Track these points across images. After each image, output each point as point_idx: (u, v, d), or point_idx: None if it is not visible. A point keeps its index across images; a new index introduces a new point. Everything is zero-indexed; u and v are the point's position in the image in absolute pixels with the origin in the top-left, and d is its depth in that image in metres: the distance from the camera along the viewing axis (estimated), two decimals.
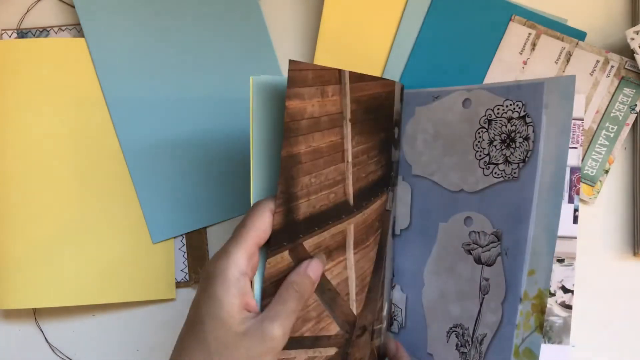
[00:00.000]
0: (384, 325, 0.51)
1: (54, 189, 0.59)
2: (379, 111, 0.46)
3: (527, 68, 0.57)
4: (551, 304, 0.51)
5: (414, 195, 0.50)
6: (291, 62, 0.39)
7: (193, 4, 0.60)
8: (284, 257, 0.41)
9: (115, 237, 0.59)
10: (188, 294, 0.60)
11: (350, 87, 0.43)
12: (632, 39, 0.55)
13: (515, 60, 0.58)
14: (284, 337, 0.39)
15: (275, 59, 0.61)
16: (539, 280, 0.42)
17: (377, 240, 0.47)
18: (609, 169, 0.57)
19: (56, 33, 0.61)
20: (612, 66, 0.57)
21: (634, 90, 0.57)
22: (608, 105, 0.57)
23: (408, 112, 0.50)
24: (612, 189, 0.59)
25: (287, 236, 0.41)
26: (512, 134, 0.44)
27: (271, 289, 0.41)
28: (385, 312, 0.51)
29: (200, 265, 0.60)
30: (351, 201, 0.44)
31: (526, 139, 0.43)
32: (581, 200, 0.57)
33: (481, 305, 0.45)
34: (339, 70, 0.42)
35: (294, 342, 0.42)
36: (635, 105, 0.57)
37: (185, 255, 0.60)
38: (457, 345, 0.47)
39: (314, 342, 0.43)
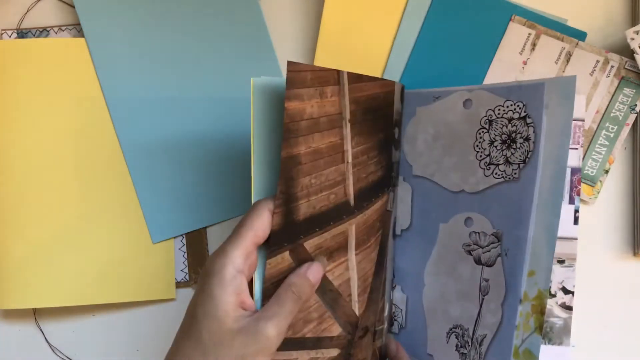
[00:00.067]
0: (385, 325, 0.51)
1: (54, 189, 0.59)
2: (378, 111, 0.46)
3: (527, 68, 0.57)
4: (551, 305, 0.51)
5: (414, 195, 0.50)
6: (289, 63, 0.39)
7: (193, 4, 0.60)
8: (285, 258, 0.41)
9: (115, 237, 0.59)
10: (188, 294, 0.60)
11: (349, 88, 0.43)
12: (632, 39, 0.55)
13: (515, 60, 0.58)
14: (279, 338, 0.39)
15: (275, 58, 0.61)
16: (539, 281, 0.42)
17: (378, 240, 0.47)
18: (609, 169, 0.57)
19: (56, 33, 0.61)
20: (612, 66, 0.57)
21: (634, 90, 0.57)
22: (608, 105, 0.57)
23: (409, 112, 0.50)
24: (611, 189, 0.59)
25: (287, 237, 0.41)
26: (513, 135, 0.44)
27: (271, 289, 0.41)
28: (386, 313, 0.51)
29: (200, 265, 0.60)
30: (352, 202, 0.44)
31: (527, 139, 0.43)
32: (581, 201, 0.58)
33: (481, 306, 0.45)
34: (338, 71, 0.42)
35: (296, 343, 0.42)
36: (636, 105, 0.57)
37: (185, 255, 0.60)
38: (457, 346, 0.47)
39: (316, 343, 0.43)
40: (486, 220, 0.45)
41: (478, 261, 0.46)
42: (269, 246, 0.41)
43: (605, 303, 0.58)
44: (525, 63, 0.57)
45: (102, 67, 0.60)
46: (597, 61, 0.57)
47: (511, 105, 0.44)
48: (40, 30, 0.61)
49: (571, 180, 0.49)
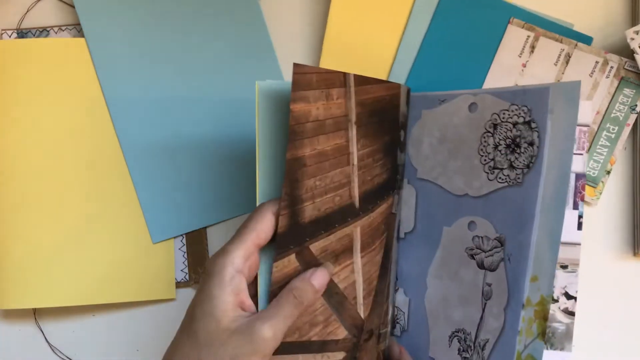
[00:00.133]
0: (389, 328, 0.51)
1: (53, 189, 0.59)
2: (383, 114, 0.46)
3: (526, 71, 0.57)
4: (554, 310, 0.50)
5: (418, 198, 0.50)
6: (295, 65, 0.39)
7: (193, 4, 0.60)
8: (291, 261, 0.41)
9: (115, 237, 0.59)
10: (188, 294, 0.60)
11: (355, 90, 0.43)
12: (632, 39, 0.55)
13: (514, 63, 0.58)
14: (274, 340, 0.39)
15: (275, 59, 0.61)
16: (542, 286, 0.42)
17: (383, 243, 0.47)
18: (611, 169, 0.57)
19: (56, 33, 0.61)
20: (612, 67, 0.57)
21: (634, 91, 0.57)
22: (608, 106, 0.57)
23: (414, 115, 0.50)
24: (611, 189, 0.59)
25: (293, 239, 0.41)
26: (517, 139, 0.44)
27: (277, 292, 0.41)
28: (389, 316, 0.51)
29: (200, 265, 0.60)
30: (357, 204, 0.44)
31: (531, 144, 0.43)
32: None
33: (483, 310, 0.45)
34: (344, 73, 0.42)
35: (302, 346, 0.42)
36: (636, 105, 0.57)
37: (185, 255, 0.60)
38: (459, 350, 0.47)
39: (322, 346, 0.43)
40: (489, 224, 0.45)
41: (481, 265, 0.46)
42: (276, 249, 0.41)
43: (605, 303, 0.58)
44: (524, 66, 0.57)
45: (102, 67, 0.60)
46: (597, 62, 0.57)
47: (516, 109, 0.44)
48: (40, 30, 0.61)
49: (575, 186, 0.49)
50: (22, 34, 0.61)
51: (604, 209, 0.59)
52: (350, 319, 0.44)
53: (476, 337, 0.45)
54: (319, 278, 0.41)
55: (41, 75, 0.59)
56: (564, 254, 0.49)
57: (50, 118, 0.59)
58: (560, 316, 0.51)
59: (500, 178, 0.45)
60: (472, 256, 0.46)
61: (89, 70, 0.60)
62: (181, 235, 0.60)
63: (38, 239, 0.58)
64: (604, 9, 0.60)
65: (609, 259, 0.58)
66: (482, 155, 0.46)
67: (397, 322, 0.52)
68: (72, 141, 0.59)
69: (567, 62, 0.57)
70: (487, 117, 0.46)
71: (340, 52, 0.59)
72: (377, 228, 0.46)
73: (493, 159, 0.45)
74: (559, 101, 0.42)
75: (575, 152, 0.45)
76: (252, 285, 0.42)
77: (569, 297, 0.51)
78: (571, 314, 0.50)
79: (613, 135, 0.57)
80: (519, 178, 0.44)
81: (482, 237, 0.46)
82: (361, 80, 0.44)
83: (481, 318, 0.45)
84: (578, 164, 0.49)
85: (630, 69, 0.57)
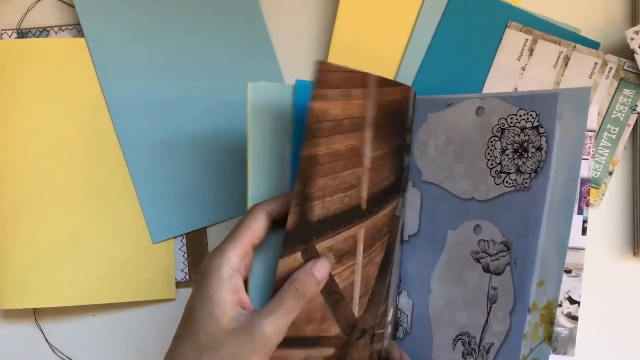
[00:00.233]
0: (388, 330, 0.51)
1: (53, 189, 0.59)
2: (396, 117, 0.46)
3: (525, 74, 0.57)
4: (557, 314, 0.50)
5: (423, 201, 0.50)
6: (319, 62, 0.38)
7: (193, 4, 0.60)
8: (296, 258, 0.41)
9: (115, 237, 0.59)
10: (188, 294, 0.59)
11: (375, 92, 0.43)
12: (632, 39, 0.55)
13: (513, 66, 0.58)
14: (276, 336, 0.38)
15: (275, 59, 0.61)
16: (548, 291, 0.42)
17: (384, 245, 0.47)
18: (613, 170, 0.57)
19: (56, 33, 0.61)
20: (611, 68, 0.57)
21: (634, 91, 0.57)
22: (609, 107, 0.57)
23: (420, 118, 0.50)
24: (611, 189, 0.59)
25: (300, 237, 0.41)
26: (525, 144, 0.44)
27: (281, 287, 0.41)
28: (390, 318, 0.51)
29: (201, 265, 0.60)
30: (364, 205, 0.44)
31: (539, 149, 0.43)
32: None
33: (488, 314, 0.45)
34: (366, 74, 0.42)
35: (296, 341, 0.42)
36: (636, 105, 0.57)
37: (185, 255, 0.60)
38: (463, 353, 0.47)
39: (315, 342, 0.43)
40: (495, 228, 0.45)
41: (486, 269, 0.46)
42: (283, 245, 0.40)
43: (605, 303, 0.58)
44: (523, 69, 0.57)
45: (102, 67, 0.60)
46: (596, 63, 0.57)
47: (524, 114, 0.44)
48: (40, 30, 0.61)
49: (580, 191, 0.49)
50: (22, 34, 0.61)
51: (604, 209, 0.59)
52: (344, 317, 0.44)
53: (481, 340, 0.45)
54: (320, 269, 0.41)
55: (41, 75, 0.59)
56: (567, 258, 0.48)
57: (50, 118, 0.59)
58: (564, 320, 0.51)
59: (507, 182, 0.45)
60: (477, 260, 0.46)
61: (89, 70, 0.60)
62: (181, 235, 0.60)
63: (38, 239, 0.58)
64: (603, 9, 0.60)
65: (609, 259, 0.58)
66: (489, 160, 0.46)
67: (400, 325, 0.52)
68: (72, 141, 0.59)
69: (566, 64, 0.57)
70: (494, 121, 0.46)
71: (347, 52, 0.59)
72: (379, 230, 0.46)
73: (500, 163, 0.45)
74: (568, 107, 0.42)
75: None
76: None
77: (572, 301, 0.51)
78: (574, 318, 0.51)
79: (614, 136, 0.57)
80: (526, 183, 0.44)
81: (487, 241, 0.46)
82: (381, 82, 0.44)
83: (486, 322, 0.45)
84: (583, 169, 0.49)
85: (629, 69, 0.57)
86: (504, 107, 0.45)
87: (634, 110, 0.57)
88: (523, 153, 0.44)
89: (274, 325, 0.38)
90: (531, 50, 0.57)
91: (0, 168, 0.59)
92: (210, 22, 0.60)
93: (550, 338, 0.42)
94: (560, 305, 0.50)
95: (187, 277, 0.60)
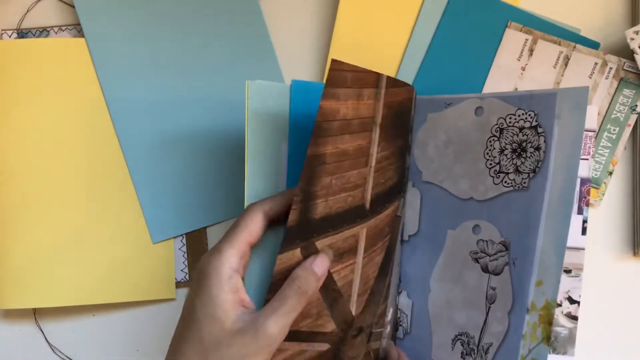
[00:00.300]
0: (387, 330, 0.51)
1: (53, 189, 0.59)
2: (402, 117, 0.46)
3: (525, 74, 0.58)
4: (557, 314, 0.50)
5: (423, 201, 0.50)
6: (334, 61, 0.38)
7: (193, 4, 0.60)
8: (295, 254, 0.41)
9: (115, 237, 0.59)
10: None
11: (385, 92, 0.43)
12: (632, 39, 0.55)
13: (513, 66, 0.58)
14: (280, 335, 0.38)
15: (275, 59, 0.61)
16: (547, 291, 0.42)
17: (384, 245, 0.47)
18: (613, 170, 0.57)
19: (56, 33, 0.61)
20: (611, 68, 0.57)
21: (634, 91, 0.57)
22: (609, 107, 0.57)
23: (420, 118, 0.50)
24: (611, 189, 0.59)
25: (301, 234, 0.41)
26: (524, 144, 0.44)
27: (278, 284, 0.41)
28: (389, 318, 0.51)
29: None
30: (367, 206, 0.44)
31: (537, 149, 0.43)
32: None
33: (487, 314, 0.45)
34: (377, 74, 0.42)
35: (290, 335, 0.42)
36: (636, 105, 0.57)
37: (185, 255, 0.60)
38: (462, 353, 0.47)
39: (310, 336, 0.43)
40: (494, 228, 0.45)
41: (485, 269, 0.46)
42: (282, 241, 0.40)
43: (605, 303, 0.58)
44: (523, 69, 0.58)
45: (102, 67, 0.60)
46: (596, 63, 0.57)
47: (522, 114, 0.44)
48: (40, 30, 0.61)
49: (580, 191, 0.49)
50: (22, 34, 0.61)
51: (604, 209, 0.59)
52: (341, 314, 0.44)
53: (480, 340, 0.45)
54: (319, 265, 0.41)
55: (41, 76, 0.59)
56: (567, 258, 0.49)
57: (50, 118, 0.59)
58: (564, 320, 0.51)
59: (505, 182, 0.45)
60: (476, 260, 0.46)
61: (89, 70, 0.60)
62: (181, 235, 0.60)
63: (38, 239, 0.58)
64: (603, 9, 0.60)
65: (609, 259, 0.58)
66: (488, 159, 0.46)
67: (400, 325, 0.52)
68: (72, 141, 0.59)
69: (566, 65, 0.57)
70: (493, 121, 0.46)
71: (347, 52, 0.59)
72: (381, 230, 0.46)
73: (499, 163, 0.45)
74: (566, 106, 0.42)
75: (580, 157, 0.45)
76: None
77: (572, 301, 0.51)
78: (574, 318, 0.50)
79: (614, 136, 0.57)
80: (524, 182, 0.44)
81: (486, 241, 0.46)
82: (392, 82, 0.43)
83: (485, 321, 0.45)
84: (583, 168, 0.49)
85: (629, 69, 0.57)
86: (503, 107, 0.45)
87: (634, 110, 0.57)
88: (522, 153, 0.44)
89: (278, 325, 0.38)
90: (531, 51, 0.57)
91: (0, 168, 0.59)
92: (210, 22, 0.60)
93: (548, 338, 0.42)
94: (560, 305, 0.50)
95: (187, 277, 0.60)
